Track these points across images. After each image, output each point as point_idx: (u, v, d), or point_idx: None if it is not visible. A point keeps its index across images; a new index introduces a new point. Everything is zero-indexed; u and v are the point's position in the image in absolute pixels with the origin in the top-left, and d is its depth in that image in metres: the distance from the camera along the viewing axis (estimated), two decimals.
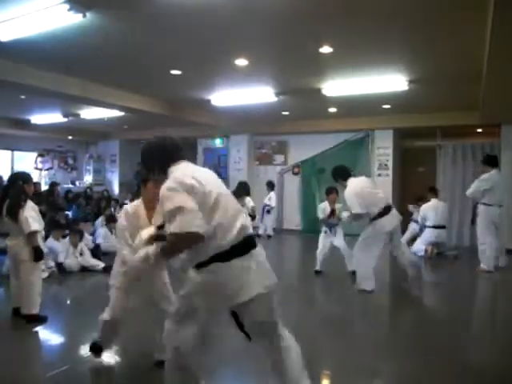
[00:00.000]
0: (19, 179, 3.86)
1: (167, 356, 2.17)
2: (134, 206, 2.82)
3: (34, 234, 3.66)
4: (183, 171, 2.11)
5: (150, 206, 2.78)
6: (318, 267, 5.80)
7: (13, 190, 3.79)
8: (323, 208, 5.83)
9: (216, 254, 1.99)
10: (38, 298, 3.75)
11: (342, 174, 5.04)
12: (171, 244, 2.00)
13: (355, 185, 4.88)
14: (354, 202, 4.76)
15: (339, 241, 5.67)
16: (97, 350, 2.89)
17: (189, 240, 1.94)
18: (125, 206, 2.94)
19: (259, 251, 2.11)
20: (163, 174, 2.15)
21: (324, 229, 5.84)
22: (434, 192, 7.52)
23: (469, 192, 6.36)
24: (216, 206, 2.02)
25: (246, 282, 2.00)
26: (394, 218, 4.84)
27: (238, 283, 1.99)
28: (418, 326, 4.02)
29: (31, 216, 3.66)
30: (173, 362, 2.14)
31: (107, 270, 5.66)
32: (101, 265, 5.85)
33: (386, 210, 4.80)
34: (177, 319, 2.13)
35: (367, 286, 4.87)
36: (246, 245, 2.05)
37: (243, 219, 2.11)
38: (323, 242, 5.80)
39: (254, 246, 2.09)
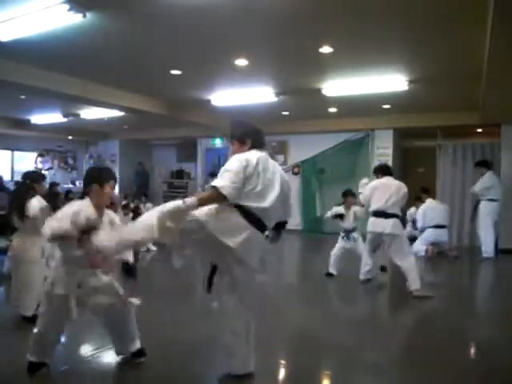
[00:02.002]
0: (28, 178, 3.92)
1: None
2: (84, 207, 2.64)
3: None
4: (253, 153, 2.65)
5: (100, 210, 2.71)
6: (330, 270, 5.60)
7: (21, 188, 3.89)
8: (336, 210, 5.69)
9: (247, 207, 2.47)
10: (34, 300, 3.72)
11: (378, 171, 5.22)
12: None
13: (378, 181, 5.09)
14: (364, 191, 5.11)
15: (360, 249, 5.43)
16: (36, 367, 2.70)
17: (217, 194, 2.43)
18: (75, 203, 2.70)
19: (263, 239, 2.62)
20: (249, 149, 2.70)
21: (342, 234, 5.64)
22: (427, 192, 7.59)
23: (477, 188, 7.16)
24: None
25: (254, 243, 2.50)
26: (380, 225, 4.81)
27: (248, 236, 2.45)
28: (420, 326, 4.03)
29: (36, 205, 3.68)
30: None
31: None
32: None
33: (378, 213, 4.86)
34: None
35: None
36: (262, 223, 2.55)
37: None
38: (339, 246, 5.63)
39: (264, 230, 2.58)
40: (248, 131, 2.80)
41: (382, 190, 4.92)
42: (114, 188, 2.83)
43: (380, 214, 4.87)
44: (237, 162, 2.54)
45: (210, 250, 2.55)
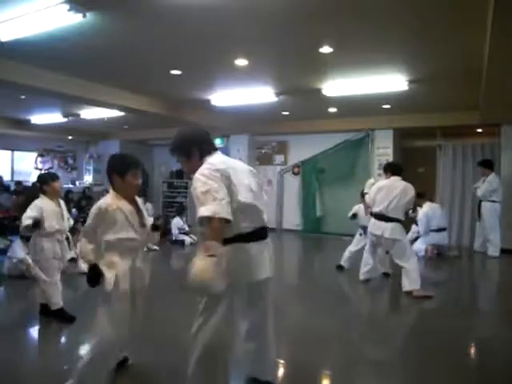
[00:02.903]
0: (37, 182, 3.96)
1: (197, 353, 2.22)
2: (113, 202, 2.47)
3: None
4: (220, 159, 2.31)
5: (132, 201, 2.56)
6: (342, 262, 5.87)
7: (28, 193, 3.96)
8: (356, 208, 5.98)
9: (237, 234, 2.19)
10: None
11: (387, 170, 5.19)
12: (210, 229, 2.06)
13: (383, 182, 5.12)
14: (370, 192, 5.15)
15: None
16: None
17: (219, 225, 2.05)
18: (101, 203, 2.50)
19: (269, 243, 2.40)
20: (200, 159, 2.28)
21: (360, 231, 5.85)
22: (421, 197, 7.20)
23: (480, 193, 7.26)
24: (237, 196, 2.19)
25: (262, 263, 2.29)
26: (380, 227, 4.84)
27: (256, 262, 2.25)
28: (420, 326, 4.03)
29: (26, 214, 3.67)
30: (203, 358, 2.22)
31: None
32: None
33: (379, 216, 4.89)
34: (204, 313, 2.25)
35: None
36: (260, 233, 2.31)
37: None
38: (357, 242, 5.82)
39: (265, 237, 2.36)
40: (191, 140, 2.33)
41: (385, 192, 4.87)
42: (138, 178, 2.52)
43: (380, 216, 4.85)
44: (205, 178, 2.11)
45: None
